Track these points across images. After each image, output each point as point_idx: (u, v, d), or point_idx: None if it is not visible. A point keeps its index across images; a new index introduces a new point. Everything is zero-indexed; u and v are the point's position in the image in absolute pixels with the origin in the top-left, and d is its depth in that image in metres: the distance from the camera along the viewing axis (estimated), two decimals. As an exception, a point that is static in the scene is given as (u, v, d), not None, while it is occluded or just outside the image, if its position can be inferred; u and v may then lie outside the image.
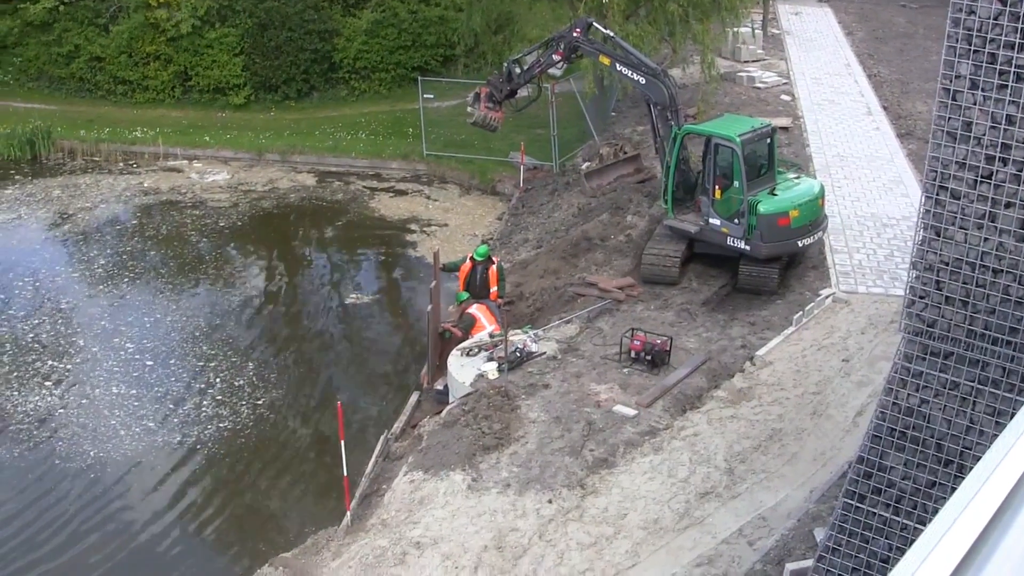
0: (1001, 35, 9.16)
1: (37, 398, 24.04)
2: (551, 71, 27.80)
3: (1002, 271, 9.68)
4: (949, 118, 9.69)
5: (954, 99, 9.63)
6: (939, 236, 9.94)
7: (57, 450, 22.13)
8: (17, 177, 39.64)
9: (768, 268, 23.42)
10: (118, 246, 33.36)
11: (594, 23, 25.85)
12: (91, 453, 21.98)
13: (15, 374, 25.07)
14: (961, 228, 9.78)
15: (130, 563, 19.09)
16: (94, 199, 37.28)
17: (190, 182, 39.19)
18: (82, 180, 39.34)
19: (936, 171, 9.86)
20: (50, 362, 25.63)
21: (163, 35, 46.38)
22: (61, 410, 23.59)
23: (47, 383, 24.70)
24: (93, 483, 21.14)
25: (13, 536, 19.70)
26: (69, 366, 25.49)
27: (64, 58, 47.97)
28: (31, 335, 26.91)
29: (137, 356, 26.00)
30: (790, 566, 13.64)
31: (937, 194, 9.89)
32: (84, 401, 23.93)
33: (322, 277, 32.27)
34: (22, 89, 48.57)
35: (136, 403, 23.93)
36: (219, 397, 24.25)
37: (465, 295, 24.11)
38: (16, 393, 24.25)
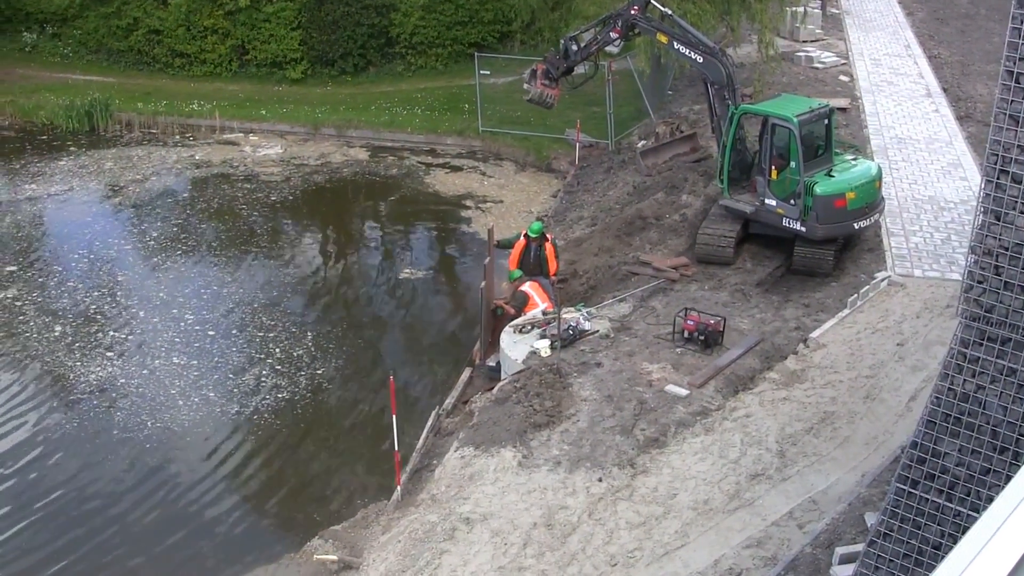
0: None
1: (99, 368, 24.33)
2: (608, 49, 27.65)
3: (1062, 257, 9.57)
4: (1012, 101, 9.56)
5: (1017, 81, 9.51)
6: (999, 221, 9.82)
7: (116, 420, 22.42)
8: (72, 148, 40.08)
9: (823, 250, 23.27)
10: (170, 218, 33.70)
11: (652, 1, 25.68)
12: (149, 423, 22.24)
13: (77, 344, 25.39)
14: (1022, 213, 9.66)
15: (181, 532, 19.32)
16: (145, 171, 37.63)
17: (242, 155, 39.47)
18: (135, 152, 39.73)
19: (997, 155, 9.73)
20: (111, 332, 25.95)
21: (221, 8, 46.68)
22: (122, 380, 23.88)
23: (108, 353, 25.00)
24: (149, 452, 21.40)
25: (68, 503, 19.99)
26: (130, 337, 25.79)
27: (123, 31, 48.42)
28: (93, 307, 27.23)
29: (197, 327, 26.28)
30: (840, 550, 13.58)
31: (998, 178, 9.76)
32: (145, 371, 24.21)
33: (376, 251, 32.40)
34: (81, 62, 49.10)
35: (196, 373, 24.20)
36: (278, 367, 24.47)
37: (518, 272, 24.07)
38: (78, 363, 24.56)
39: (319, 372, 24.32)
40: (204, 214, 34.07)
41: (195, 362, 24.69)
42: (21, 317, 26.67)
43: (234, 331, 26.19)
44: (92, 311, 27.01)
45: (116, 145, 40.56)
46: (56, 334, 25.80)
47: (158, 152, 39.73)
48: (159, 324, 26.35)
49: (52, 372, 24.28)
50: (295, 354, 25.06)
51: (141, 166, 38.14)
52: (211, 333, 26.01)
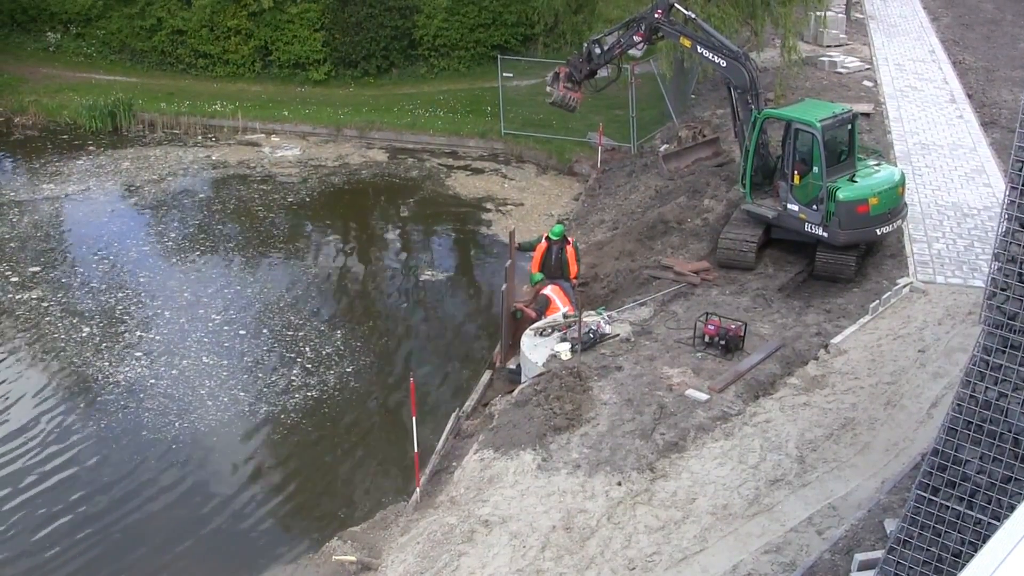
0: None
1: (128, 368, 24.42)
2: (631, 52, 27.67)
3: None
4: (1037, 108, 9.53)
5: (1042, 89, 9.46)
6: (1023, 227, 9.78)
7: (144, 420, 22.48)
8: (91, 148, 40.27)
9: (845, 255, 23.23)
10: (187, 219, 33.84)
11: (676, 4, 25.67)
12: (176, 423, 22.32)
13: (105, 345, 25.48)
14: (1046, 220, 9.63)
15: (202, 532, 19.41)
16: (161, 171, 37.76)
17: (259, 156, 39.56)
18: (152, 152, 39.88)
19: (1022, 161, 9.70)
20: (138, 333, 26.03)
21: (244, 9, 46.82)
22: (151, 380, 23.95)
23: (137, 353, 25.08)
24: (175, 453, 21.47)
25: (93, 502, 20.10)
26: (158, 337, 25.85)
27: (146, 31, 48.59)
28: (119, 307, 27.33)
29: (226, 327, 26.38)
30: (859, 556, 13.55)
31: (1023, 185, 9.72)
32: (174, 372, 24.30)
33: (396, 253, 32.36)
34: (104, 61, 49.27)
35: (226, 373, 24.30)
36: (308, 367, 24.57)
37: (540, 276, 24.07)
38: (107, 364, 24.64)
39: (348, 371, 24.42)
40: (221, 215, 34.16)
41: (225, 362, 24.80)
42: (48, 318, 26.77)
43: (264, 330, 26.28)
44: (118, 312, 27.11)
45: (134, 145, 40.71)
46: (84, 335, 25.88)
47: (175, 152, 39.86)
48: (186, 324, 26.44)
49: (81, 373, 24.34)
50: (324, 353, 25.18)
51: (158, 166, 38.28)
52: (241, 332, 26.12)
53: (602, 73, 28.60)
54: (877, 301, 21.52)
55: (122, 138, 41.45)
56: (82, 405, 23.19)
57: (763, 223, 24.38)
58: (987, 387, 10.08)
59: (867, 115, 33.14)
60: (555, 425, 17.75)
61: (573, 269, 24.15)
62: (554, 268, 24.11)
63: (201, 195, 35.95)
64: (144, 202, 35.00)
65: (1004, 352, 9.96)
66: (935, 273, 22.95)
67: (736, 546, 14.78)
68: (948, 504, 10.44)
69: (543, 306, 22.93)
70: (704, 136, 32.15)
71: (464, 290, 29.98)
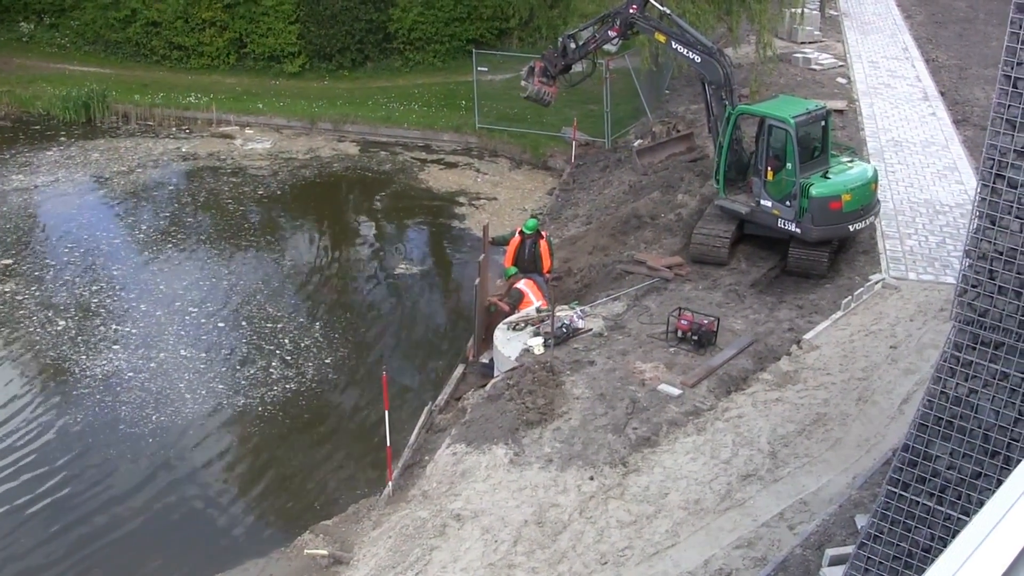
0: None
1: (105, 362, 24.28)
2: (606, 47, 27.67)
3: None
4: (1009, 105, 9.56)
5: (1015, 86, 9.51)
6: (994, 225, 9.82)
7: (121, 414, 22.35)
8: (62, 139, 40.08)
9: (818, 252, 23.27)
10: (158, 211, 33.71)
11: (651, 0, 25.69)
12: (153, 417, 22.23)
13: (81, 338, 25.34)
14: (1017, 218, 9.66)
15: (173, 527, 19.36)
16: (131, 163, 37.60)
17: (229, 149, 39.42)
18: (122, 144, 39.69)
19: (993, 159, 9.73)
20: (114, 326, 25.91)
21: (219, 1, 46.62)
22: (129, 373, 23.83)
23: (114, 347, 24.95)
24: (151, 447, 21.37)
25: (67, 499, 19.98)
26: (134, 330, 25.72)
27: (120, 22, 48.30)
28: (94, 300, 27.18)
29: (203, 320, 26.29)
30: (830, 551, 13.59)
31: (994, 182, 9.76)
32: (152, 365, 24.19)
33: (369, 247, 32.26)
34: (79, 52, 49.01)
35: (203, 366, 24.21)
36: (287, 359, 24.53)
37: (513, 270, 24.08)
38: (84, 357, 24.50)
39: (326, 362, 24.43)
40: (191, 207, 34.05)
41: (203, 354, 24.72)
42: (22, 311, 26.60)
43: (243, 323, 26.21)
44: (94, 305, 26.96)
45: (105, 136, 40.52)
46: (59, 328, 25.74)
47: (146, 144, 39.69)
48: (163, 317, 26.32)
49: (57, 366, 24.20)
50: (303, 345, 25.15)
51: (128, 158, 38.11)
52: (220, 325, 26.07)
53: (577, 68, 28.58)
54: (849, 297, 21.58)
55: (95, 129, 41.24)
56: (58, 399, 23.06)
57: (736, 219, 24.41)
58: (958, 383, 10.12)
59: (840, 112, 33.24)
60: (527, 419, 17.74)
61: (546, 263, 24.18)
62: (528, 262, 24.12)
63: (171, 187, 35.78)
64: (114, 194, 34.83)
65: (974, 348, 10.01)
66: (907, 269, 23.04)
67: (708, 541, 14.80)
68: (918, 500, 10.48)
69: (516, 300, 22.94)
70: (678, 131, 32.19)
71: (437, 284, 29.95)
